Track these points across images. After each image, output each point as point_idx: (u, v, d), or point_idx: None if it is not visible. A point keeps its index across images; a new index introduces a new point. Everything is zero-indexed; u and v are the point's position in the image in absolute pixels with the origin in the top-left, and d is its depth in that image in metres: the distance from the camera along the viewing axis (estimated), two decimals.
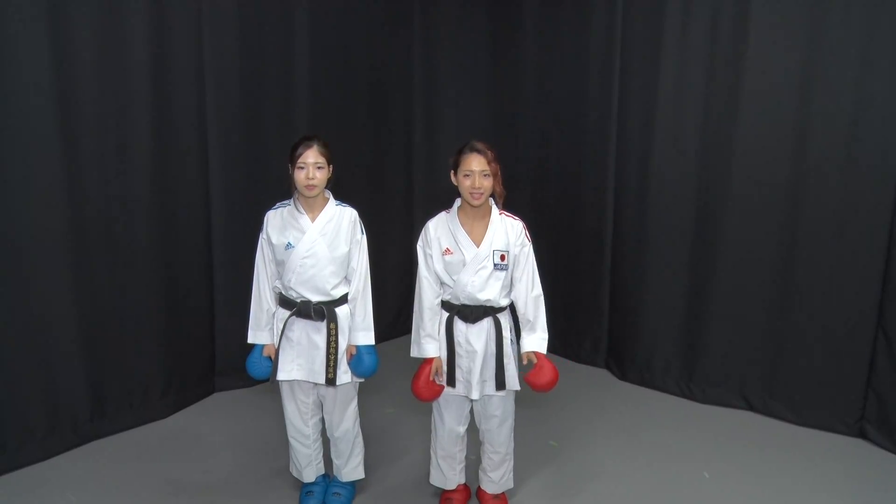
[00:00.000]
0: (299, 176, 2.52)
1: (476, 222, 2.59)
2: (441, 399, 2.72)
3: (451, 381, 2.64)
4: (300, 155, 2.51)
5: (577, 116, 4.32)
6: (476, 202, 2.51)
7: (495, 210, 2.61)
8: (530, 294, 2.62)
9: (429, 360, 2.63)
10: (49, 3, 2.93)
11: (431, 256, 2.61)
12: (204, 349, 3.84)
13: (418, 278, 2.65)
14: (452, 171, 2.56)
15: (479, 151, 2.49)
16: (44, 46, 2.93)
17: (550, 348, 4.57)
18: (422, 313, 2.63)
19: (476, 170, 2.47)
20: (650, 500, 2.92)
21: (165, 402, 3.60)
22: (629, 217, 4.11)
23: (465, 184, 2.50)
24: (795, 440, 3.45)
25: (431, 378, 2.63)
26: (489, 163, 2.48)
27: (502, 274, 2.58)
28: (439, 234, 2.60)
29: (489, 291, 2.57)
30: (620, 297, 4.26)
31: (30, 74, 2.91)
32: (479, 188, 2.48)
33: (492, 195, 2.59)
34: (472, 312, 2.59)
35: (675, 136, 3.82)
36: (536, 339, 2.63)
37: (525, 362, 2.65)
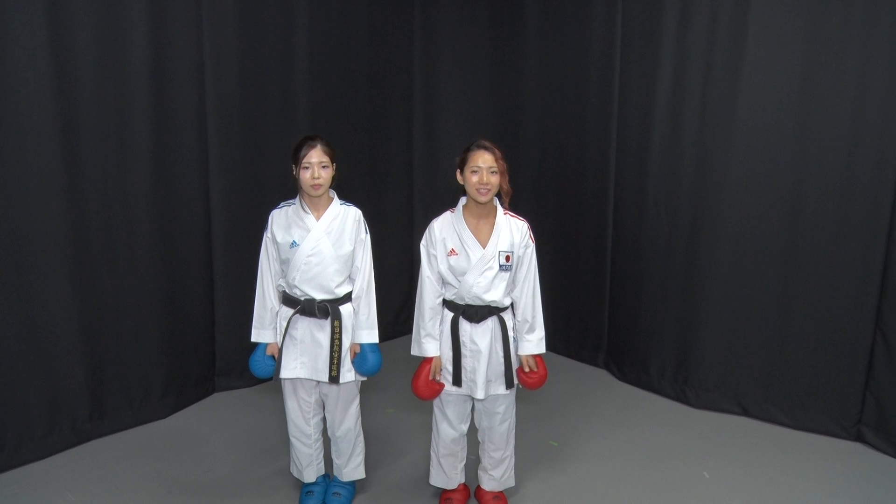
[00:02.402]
0: (304, 176, 2.53)
1: (481, 222, 2.60)
2: (442, 398, 2.72)
3: (458, 381, 2.65)
4: (304, 155, 2.52)
5: (577, 117, 4.33)
6: (483, 199, 2.51)
7: (500, 210, 2.62)
8: (530, 295, 2.64)
9: (428, 359, 2.64)
10: (49, 3, 2.93)
11: (436, 257, 2.61)
12: (204, 349, 3.83)
13: (420, 278, 2.65)
14: (458, 170, 2.57)
15: (486, 148, 2.51)
16: (44, 47, 2.93)
17: (551, 347, 4.64)
18: (423, 313, 2.64)
19: (484, 166, 2.49)
20: (650, 500, 2.93)
21: (165, 401, 3.60)
22: (629, 217, 4.12)
23: (471, 180, 2.51)
24: (793, 444, 3.46)
25: (431, 377, 2.64)
26: (497, 160, 2.50)
27: (507, 274, 2.60)
28: (444, 235, 2.61)
29: (495, 292, 2.58)
30: (620, 298, 4.27)
31: (30, 74, 2.91)
32: (487, 184, 2.49)
33: (498, 195, 2.60)
34: (477, 312, 2.60)
35: (673, 138, 3.83)
36: (535, 342, 2.66)
37: (526, 369, 2.68)
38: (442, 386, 2.67)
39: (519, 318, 2.66)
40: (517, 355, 2.69)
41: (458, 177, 2.58)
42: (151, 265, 3.45)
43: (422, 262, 2.65)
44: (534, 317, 2.65)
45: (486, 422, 2.77)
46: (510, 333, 2.65)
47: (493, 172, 2.50)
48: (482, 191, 2.50)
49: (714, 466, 3.21)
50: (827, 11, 3.29)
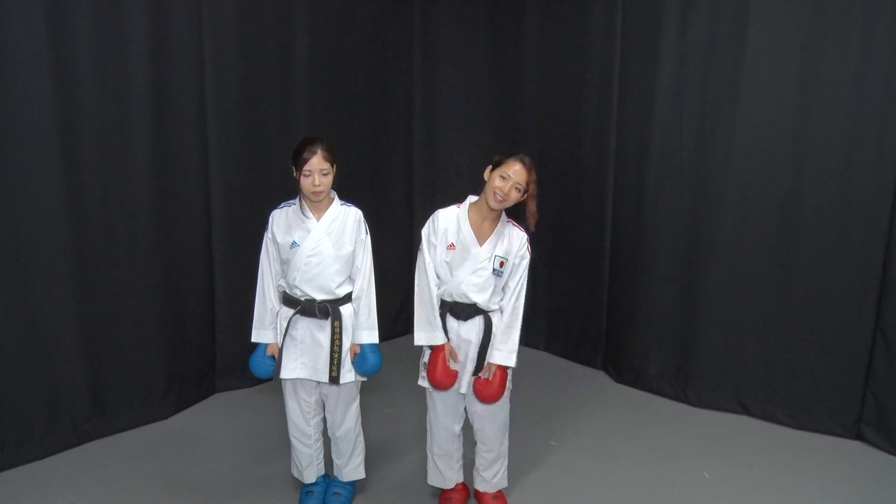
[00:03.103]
0: (305, 182, 2.52)
1: (484, 224, 2.60)
2: (436, 397, 2.73)
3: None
4: (305, 161, 2.50)
5: (576, 117, 4.33)
6: (494, 205, 2.52)
7: (504, 217, 2.64)
8: (513, 304, 2.63)
9: (440, 348, 2.61)
10: (49, 5, 2.92)
11: (436, 247, 2.61)
12: (204, 349, 3.83)
13: (420, 265, 2.63)
14: (491, 167, 2.56)
15: (525, 165, 2.51)
16: (44, 48, 2.92)
17: (548, 348, 4.62)
18: (431, 299, 2.60)
19: (513, 178, 2.49)
20: (649, 501, 2.93)
21: (166, 402, 3.59)
22: (628, 217, 4.12)
23: (495, 183, 2.50)
24: (793, 443, 3.47)
25: (447, 363, 2.60)
26: (528, 182, 2.50)
27: (499, 280, 2.61)
28: (447, 226, 2.61)
29: (482, 295, 2.59)
30: (618, 299, 4.26)
31: (30, 77, 2.90)
32: (507, 195, 2.49)
33: (510, 210, 2.60)
34: (464, 310, 2.61)
35: (673, 138, 3.83)
36: (504, 353, 2.61)
37: (486, 374, 2.63)
38: (457, 372, 2.63)
39: (495, 325, 2.65)
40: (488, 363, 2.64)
41: (487, 173, 2.56)
42: (152, 265, 3.45)
43: (422, 249, 2.63)
44: (511, 327, 2.63)
45: (477, 422, 2.77)
46: (496, 332, 2.64)
47: (517, 189, 2.50)
48: (498, 197, 2.50)
49: (714, 466, 3.21)
50: (826, 11, 3.29)
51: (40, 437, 3.13)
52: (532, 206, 2.58)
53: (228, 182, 3.77)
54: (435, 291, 2.61)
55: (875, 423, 3.41)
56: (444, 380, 2.61)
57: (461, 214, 2.62)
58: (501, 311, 2.67)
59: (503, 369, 2.63)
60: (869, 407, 3.43)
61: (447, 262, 2.60)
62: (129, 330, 3.40)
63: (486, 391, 2.62)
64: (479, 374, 2.64)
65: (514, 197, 2.51)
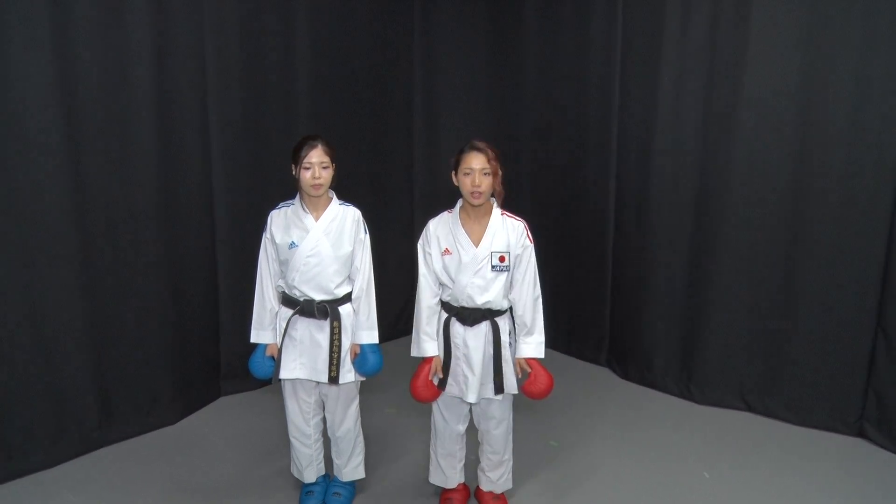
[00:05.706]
0: (305, 176, 2.53)
1: (477, 222, 2.59)
2: (441, 398, 2.71)
3: (443, 385, 2.63)
4: (305, 155, 2.52)
5: (578, 116, 4.33)
6: (476, 201, 2.50)
7: (496, 210, 2.60)
8: (530, 296, 2.60)
9: (427, 360, 2.62)
10: (51, 9, 2.93)
11: (431, 255, 2.61)
12: (209, 352, 3.83)
13: (418, 277, 2.64)
14: (453, 172, 2.57)
15: (479, 150, 2.49)
16: (45, 49, 2.92)
17: (552, 345, 4.64)
18: (420, 312, 2.63)
19: (476, 168, 2.47)
20: (650, 500, 2.93)
21: (173, 407, 3.58)
22: (630, 216, 4.12)
23: (465, 183, 2.50)
24: (795, 440, 3.46)
25: (430, 378, 2.62)
26: (489, 161, 2.48)
27: (503, 276, 2.57)
28: (439, 234, 2.61)
29: (490, 294, 2.56)
30: (622, 296, 4.27)
31: (31, 77, 2.90)
32: (479, 186, 2.47)
33: (492, 195, 2.59)
34: (471, 315, 2.59)
35: (675, 137, 3.83)
36: (533, 345, 2.60)
37: (519, 372, 2.63)
38: (438, 391, 2.64)
39: (517, 321, 2.63)
40: (514, 359, 2.64)
41: (453, 179, 2.57)
42: (157, 270, 3.43)
43: (419, 262, 2.65)
44: (533, 320, 2.60)
45: (483, 425, 2.76)
46: (504, 338, 2.61)
47: (485, 174, 2.48)
48: (475, 194, 2.49)
49: (715, 465, 3.21)
50: (827, 11, 3.29)
51: (48, 445, 3.11)
52: (497, 185, 2.54)
53: (231, 183, 3.78)
54: (428, 303, 2.62)
55: (877, 421, 3.40)
56: (423, 393, 2.61)
57: (453, 219, 2.61)
58: (512, 310, 2.64)
59: (535, 361, 2.61)
60: (871, 404, 3.42)
61: (446, 268, 2.59)
62: (137, 336, 3.39)
63: (535, 388, 2.59)
64: (518, 376, 2.63)
65: (488, 183, 2.49)
